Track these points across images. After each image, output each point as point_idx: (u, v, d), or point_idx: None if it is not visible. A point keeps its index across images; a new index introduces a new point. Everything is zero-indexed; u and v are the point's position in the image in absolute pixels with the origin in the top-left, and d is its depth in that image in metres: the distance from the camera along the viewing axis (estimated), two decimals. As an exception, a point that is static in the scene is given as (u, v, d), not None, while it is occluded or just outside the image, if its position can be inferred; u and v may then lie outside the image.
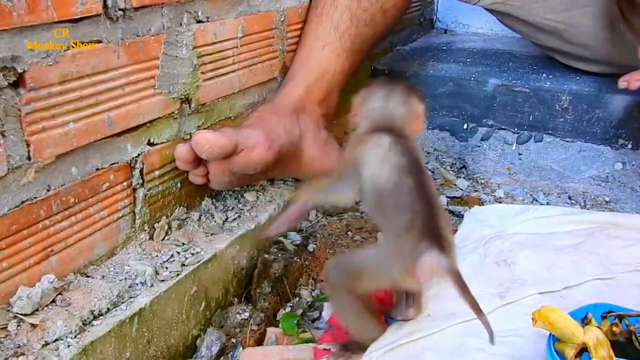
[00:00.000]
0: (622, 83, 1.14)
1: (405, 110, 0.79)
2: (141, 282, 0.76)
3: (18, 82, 0.63)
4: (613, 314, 0.75)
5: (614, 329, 0.73)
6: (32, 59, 0.63)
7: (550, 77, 1.39)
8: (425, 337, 0.81)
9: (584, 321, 0.75)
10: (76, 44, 0.68)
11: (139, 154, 0.81)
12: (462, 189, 1.27)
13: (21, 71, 0.62)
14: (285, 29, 1.09)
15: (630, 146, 1.27)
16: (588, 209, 1.23)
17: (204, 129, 0.92)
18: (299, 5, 1.12)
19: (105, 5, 0.71)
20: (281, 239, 1.01)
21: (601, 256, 0.95)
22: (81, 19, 0.68)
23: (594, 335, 0.73)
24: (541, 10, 1.29)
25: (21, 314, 0.65)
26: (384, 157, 0.74)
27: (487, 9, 1.37)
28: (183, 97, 0.86)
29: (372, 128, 0.78)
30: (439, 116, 1.44)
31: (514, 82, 1.36)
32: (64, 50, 0.67)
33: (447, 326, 0.82)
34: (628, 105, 1.25)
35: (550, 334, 0.74)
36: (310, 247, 1.05)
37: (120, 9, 0.73)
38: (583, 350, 0.71)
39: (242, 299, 0.93)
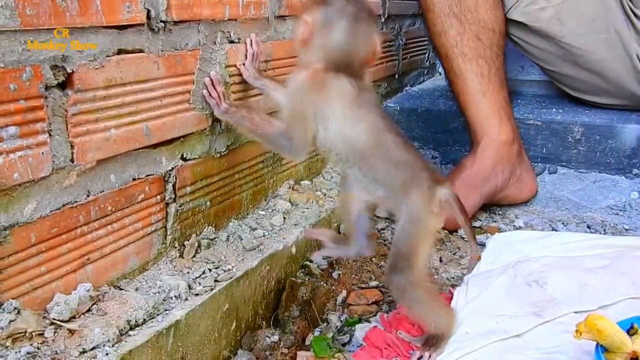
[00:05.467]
0: None
1: (367, 47, 0.75)
2: (175, 296, 0.74)
3: (66, 83, 0.63)
4: (659, 324, 0.73)
5: (662, 338, 0.72)
6: (80, 60, 0.64)
7: (560, 111, 1.41)
8: (465, 355, 0.78)
9: (630, 332, 0.74)
10: (121, 51, 0.69)
11: (172, 168, 0.81)
12: (480, 220, 1.27)
13: (70, 71, 0.63)
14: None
15: (644, 176, 1.29)
16: (608, 237, 1.22)
17: (232, 149, 0.93)
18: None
19: (148, 16, 0.72)
20: (307, 262, 1.00)
21: (632, 276, 0.94)
22: (126, 26, 0.69)
23: (643, 344, 0.71)
24: (559, 33, 1.32)
25: (59, 320, 0.63)
26: (353, 115, 0.74)
27: (515, 22, 1.36)
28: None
29: (327, 65, 0.74)
30: (452, 151, 1.45)
31: (525, 115, 1.38)
32: (110, 56, 0.67)
33: (487, 344, 0.80)
34: (640, 136, 1.27)
35: (597, 345, 0.72)
36: (335, 274, 1.03)
37: (161, 21, 0.74)
38: (633, 359, 0.70)
39: (271, 322, 0.90)
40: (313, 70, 0.75)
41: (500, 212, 1.31)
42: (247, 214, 1.00)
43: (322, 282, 0.99)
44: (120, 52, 0.69)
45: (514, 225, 1.25)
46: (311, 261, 1.02)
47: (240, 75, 0.92)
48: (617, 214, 1.27)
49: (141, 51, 0.72)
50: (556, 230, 1.24)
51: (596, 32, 1.30)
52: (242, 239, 0.92)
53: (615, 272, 0.96)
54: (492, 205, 1.30)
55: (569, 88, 1.45)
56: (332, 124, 0.75)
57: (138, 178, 0.75)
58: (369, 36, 0.76)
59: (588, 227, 1.25)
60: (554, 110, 1.42)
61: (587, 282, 0.94)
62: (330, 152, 0.79)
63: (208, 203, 0.89)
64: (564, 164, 1.35)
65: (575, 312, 0.88)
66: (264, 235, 0.95)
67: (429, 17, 1.25)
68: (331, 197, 1.14)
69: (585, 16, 1.29)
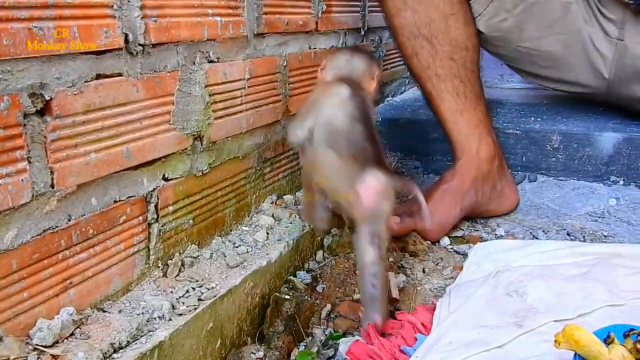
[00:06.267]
0: None
1: (365, 68, 0.96)
2: (159, 316, 0.74)
3: (44, 110, 0.64)
4: (635, 332, 0.75)
5: (638, 346, 0.73)
6: (58, 87, 0.64)
7: (539, 119, 1.43)
8: (447, 366, 0.80)
9: (607, 341, 0.75)
10: (99, 76, 0.69)
11: (154, 189, 0.81)
12: (462, 229, 1.29)
13: (48, 98, 0.63)
14: (287, 73, 1.12)
15: (622, 182, 1.31)
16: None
17: (214, 167, 0.93)
18: (300, 52, 1.15)
19: (126, 40, 0.73)
20: (291, 277, 1.01)
21: (609, 284, 0.96)
22: (104, 51, 0.70)
23: (619, 353, 0.73)
24: (518, 39, 1.36)
25: (42, 346, 0.63)
26: (341, 105, 0.87)
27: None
28: (195, 134, 0.88)
29: (335, 78, 0.92)
30: (434, 161, 1.47)
31: (505, 124, 1.40)
32: (88, 81, 0.68)
33: (469, 356, 0.81)
34: (617, 143, 1.29)
35: (575, 354, 0.73)
36: (320, 288, 1.04)
37: (139, 44, 0.75)
38: (610, 367, 0.71)
39: (256, 339, 0.91)
40: (324, 82, 0.94)
41: (482, 221, 1.32)
42: (231, 231, 1.00)
43: (306, 297, 0.99)
44: (98, 76, 0.70)
45: (496, 234, 1.27)
46: (295, 276, 1.03)
47: (222, 93, 0.93)
48: (596, 221, 1.29)
49: (120, 75, 0.73)
50: (537, 238, 1.26)
51: (555, 34, 1.33)
52: (225, 256, 0.93)
53: (592, 279, 0.97)
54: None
55: (534, 79, 1.49)
56: (324, 111, 0.88)
57: (119, 200, 0.76)
58: (368, 64, 0.96)
59: (568, 234, 1.27)
60: (532, 119, 1.44)
61: (565, 290, 0.95)
62: (316, 137, 0.88)
63: (191, 221, 0.90)
64: (543, 172, 1.37)
65: (555, 321, 0.89)
66: (247, 252, 0.95)
67: (400, 40, 1.25)
68: (314, 211, 1.15)
69: (544, 20, 1.32)
